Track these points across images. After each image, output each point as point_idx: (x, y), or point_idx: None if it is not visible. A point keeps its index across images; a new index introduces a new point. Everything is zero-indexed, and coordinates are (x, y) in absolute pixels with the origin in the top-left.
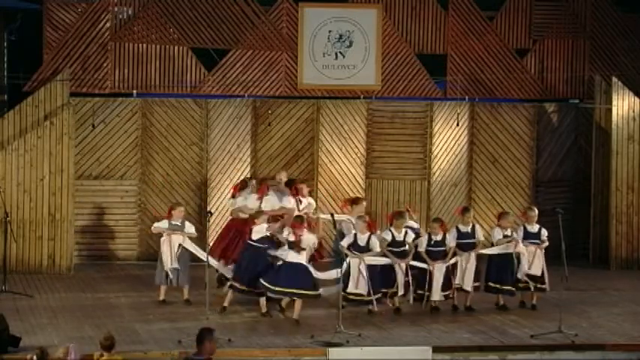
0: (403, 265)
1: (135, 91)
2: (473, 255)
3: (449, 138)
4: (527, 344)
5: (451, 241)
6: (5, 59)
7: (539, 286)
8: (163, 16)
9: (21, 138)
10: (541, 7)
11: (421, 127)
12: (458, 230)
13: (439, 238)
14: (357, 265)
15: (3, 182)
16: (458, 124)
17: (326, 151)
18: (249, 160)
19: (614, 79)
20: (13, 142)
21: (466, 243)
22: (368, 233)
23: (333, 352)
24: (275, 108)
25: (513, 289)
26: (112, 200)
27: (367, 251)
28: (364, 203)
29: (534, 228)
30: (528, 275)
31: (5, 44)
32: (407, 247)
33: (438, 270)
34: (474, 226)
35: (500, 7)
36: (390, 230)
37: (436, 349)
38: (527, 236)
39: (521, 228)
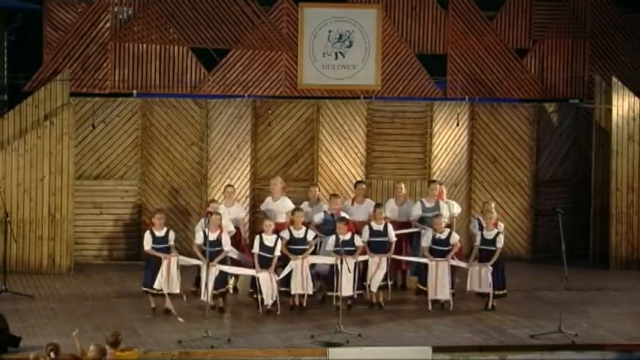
0: (306, 262)
1: (135, 91)
2: (384, 257)
3: (449, 138)
4: (527, 344)
5: (358, 240)
6: (5, 59)
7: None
8: (163, 16)
9: (21, 138)
10: (541, 7)
11: (421, 127)
12: (370, 228)
13: (347, 237)
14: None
15: (3, 182)
16: (458, 124)
17: (326, 151)
18: (249, 160)
19: (614, 79)
20: (13, 142)
21: (377, 241)
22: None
23: (333, 352)
24: (275, 108)
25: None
26: (112, 200)
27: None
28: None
29: (443, 235)
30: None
31: (5, 44)
32: (307, 245)
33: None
34: (386, 225)
35: (500, 7)
36: (289, 229)
37: (436, 349)
38: (434, 243)
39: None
